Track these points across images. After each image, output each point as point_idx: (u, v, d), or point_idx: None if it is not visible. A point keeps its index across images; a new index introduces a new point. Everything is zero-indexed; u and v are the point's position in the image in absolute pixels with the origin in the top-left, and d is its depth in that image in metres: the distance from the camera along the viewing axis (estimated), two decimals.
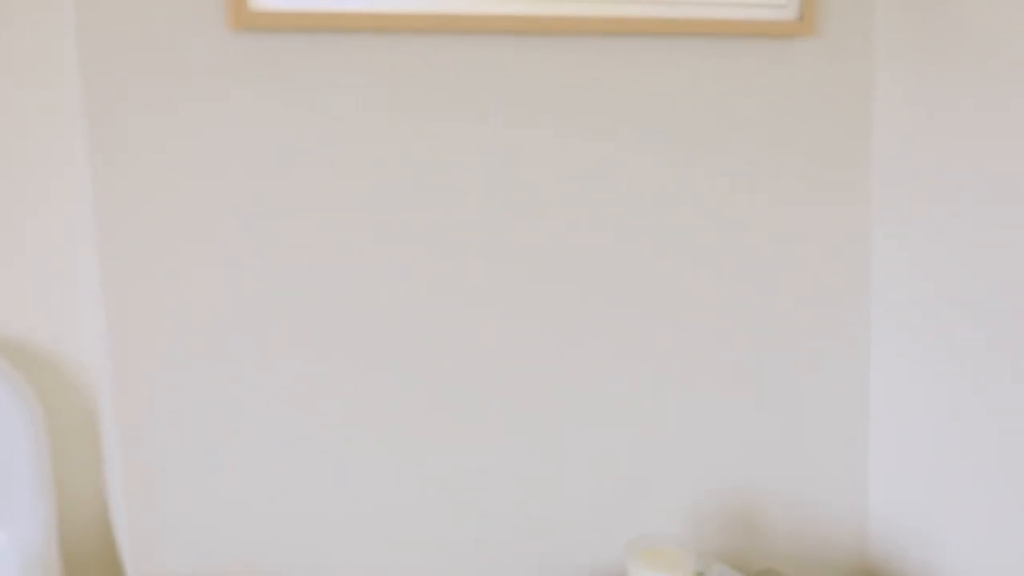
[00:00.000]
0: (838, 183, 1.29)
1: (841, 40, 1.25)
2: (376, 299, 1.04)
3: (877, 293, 1.35)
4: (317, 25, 0.96)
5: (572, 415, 1.16)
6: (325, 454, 1.04)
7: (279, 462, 1.02)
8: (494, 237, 1.09)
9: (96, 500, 1.05)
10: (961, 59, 1.19)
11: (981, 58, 1.17)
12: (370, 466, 1.06)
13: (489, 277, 1.09)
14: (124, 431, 0.95)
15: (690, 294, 1.22)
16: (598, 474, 1.19)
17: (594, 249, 1.14)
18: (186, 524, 0.98)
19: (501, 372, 1.12)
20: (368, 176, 1.02)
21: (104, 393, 0.99)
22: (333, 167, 1.00)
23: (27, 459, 0.96)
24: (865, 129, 1.29)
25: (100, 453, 1.05)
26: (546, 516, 1.17)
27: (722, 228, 1.22)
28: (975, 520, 1.25)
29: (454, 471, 1.11)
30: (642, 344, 1.19)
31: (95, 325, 0.98)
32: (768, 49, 1.21)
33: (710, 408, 1.25)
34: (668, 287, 1.20)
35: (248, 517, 1.01)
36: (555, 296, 1.13)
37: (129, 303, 0.95)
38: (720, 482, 1.28)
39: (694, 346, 1.23)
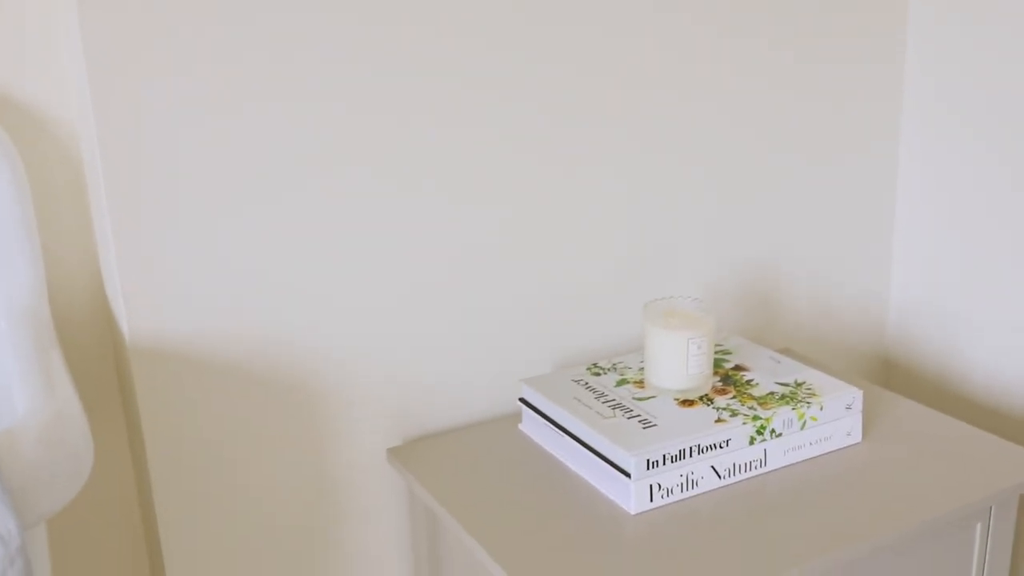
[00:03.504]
0: None
1: None
2: (389, 53, 0.97)
3: (910, 67, 1.28)
4: None
5: (591, 180, 1.11)
6: (329, 213, 0.99)
7: (277, 221, 0.97)
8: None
9: (86, 266, 1.01)
10: None
11: None
12: (380, 229, 1.02)
13: (524, 68, 1.02)
14: (112, 192, 0.90)
15: (717, 62, 1.14)
16: (617, 242, 1.15)
17: (618, 16, 1.07)
18: (182, 284, 0.94)
19: (521, 134, 1.06)
20: None
21: (90, 154, 0.93)
22: None
23: (11, 213, 0.91)
24: None
25: (89, 218, 1.00)
26: (563, 283, 1.13)
27: None
28: (996, 310, 1.22)
29: (468, 236, 1.06)
30: (667, 114, 1.13)
31: (80, 84, 0.92)
32: None
33: (735, 180, 1.20)
34: (692, 56, 1.13)
35: (246, 277, 0.97)
36: (582, 71, 1.06)
37: (112, 55, 0.88)
38: (742, 257, 1.23)
39: (721, 116, 1.17)
